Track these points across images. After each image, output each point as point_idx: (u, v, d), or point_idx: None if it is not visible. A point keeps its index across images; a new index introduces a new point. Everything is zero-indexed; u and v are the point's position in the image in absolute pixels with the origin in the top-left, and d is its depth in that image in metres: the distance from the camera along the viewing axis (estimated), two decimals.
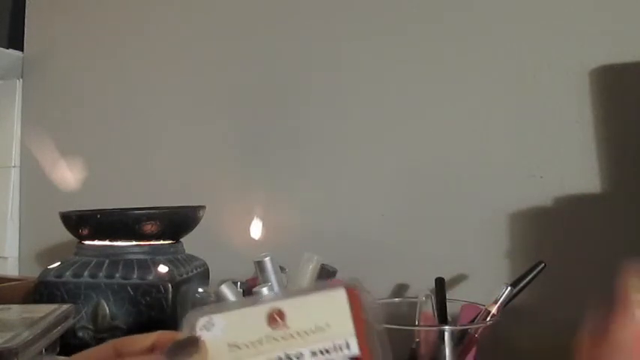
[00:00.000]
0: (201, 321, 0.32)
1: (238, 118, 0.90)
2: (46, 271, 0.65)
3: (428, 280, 0.66)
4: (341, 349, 0.30)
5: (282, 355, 0.30)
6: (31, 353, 0.44)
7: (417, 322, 0.61)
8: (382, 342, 0.30)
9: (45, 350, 0.48)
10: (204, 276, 0.72)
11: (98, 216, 0.68)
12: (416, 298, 0.62)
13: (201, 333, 0.31)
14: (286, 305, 0.32)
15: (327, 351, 0.30)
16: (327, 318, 0.31)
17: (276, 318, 0.31)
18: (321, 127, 0.83)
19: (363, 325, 0.30)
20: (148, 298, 0.62)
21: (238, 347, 0.31)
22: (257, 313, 0.32)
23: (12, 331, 0.45)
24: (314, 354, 0.30)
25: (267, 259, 0.52)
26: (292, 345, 0.30)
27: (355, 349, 0.30)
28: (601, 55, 0.67)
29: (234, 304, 0.33)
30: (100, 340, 0.62)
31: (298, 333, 0.31)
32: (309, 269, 0.54)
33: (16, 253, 1.07)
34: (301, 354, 0.30)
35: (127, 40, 1.01)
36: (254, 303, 0.32)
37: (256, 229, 0.82)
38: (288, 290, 0.33)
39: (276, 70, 0.87)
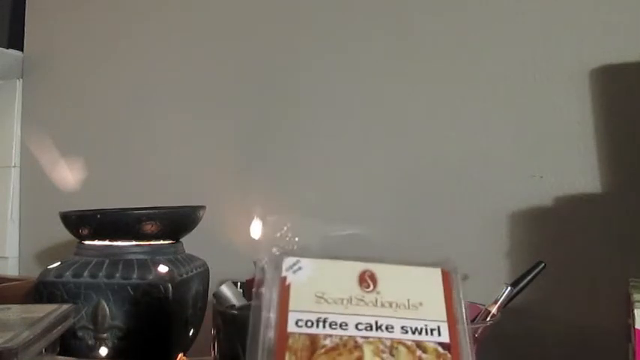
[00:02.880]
0: (288, 261, 0.30)
1: (238, 118, 0.90)
2: (46, 271, 0.65)
3: None
4: (432, 332, 0.29)
5: (372, 322, 0.29)
6: (31, 353, 0.44)
7: None
8: (468, 330, 0.29)
9: (45, 350, 0.48)
10: (204, 276, 0.72)
11: (98, 216, 0.68)
12: None
13: (287, 274, 0.29)
14: (380, 269, 0.30)
15: (419, 331, 0.29)
16: (420, 296, 0.30)
17: (367, 280, 0.30)
18: (322, 127, 0.83)
19: (454, 311, 0.30)
20: (147, 298, 0.62)
21: (325, 300, 0.29)
22: (349, 269, 0.30)
23: (12, 331, 0.45)
24: (404, 330, 0.29)
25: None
26: (383, 314, 0.29)
27: (446, 336, 0.29)
28: (601, 55, 0.67)
29: (323, 253, 0.31)
30: (100, 340, 0.62)
31: (390, 303, 0.29)
32: None
33: (16, 253, 1.07)
34: (392, 326, 0.29)
35: (127, 40, 1.01)
36: (345, 257, 0.31)
37: (256, 229, 0.82)
38: (382, 256, 0.33)
39: (277, 70, 0.87)
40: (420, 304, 0.30)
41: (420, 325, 0.29)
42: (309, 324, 0.29)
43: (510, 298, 0.56)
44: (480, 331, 0.53)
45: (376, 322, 0.29)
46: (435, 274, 0.31)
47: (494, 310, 0.55)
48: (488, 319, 0.55)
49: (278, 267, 0.30)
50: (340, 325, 0.29)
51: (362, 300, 0.29)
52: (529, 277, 0.58)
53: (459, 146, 0.74)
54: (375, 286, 0.30)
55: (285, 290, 0.29)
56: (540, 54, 0.70)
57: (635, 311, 0.44)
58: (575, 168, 0.67)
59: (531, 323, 0.67)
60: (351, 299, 0.29)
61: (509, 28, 0.72)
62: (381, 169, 0.79)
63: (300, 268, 0.30)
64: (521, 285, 0.58)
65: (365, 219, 0.79)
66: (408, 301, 0.30)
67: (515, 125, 0.71)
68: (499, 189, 0.71)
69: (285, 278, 0.30)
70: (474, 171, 0.73)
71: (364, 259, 0.31)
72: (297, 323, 0.29)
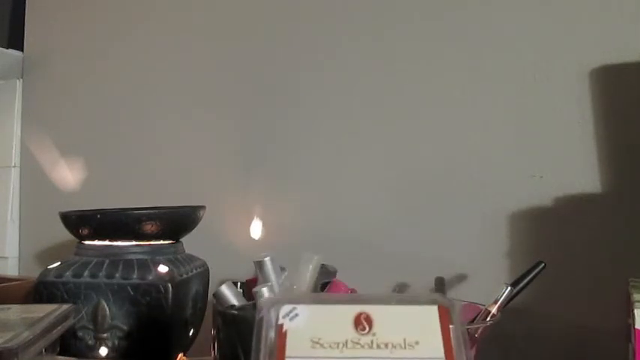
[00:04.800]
0: (285, 309, 0.31)
1: (238, 119, 0.90)
2: (46, 271, 0.65)
3: (428, 280, 0.66)
4: None
5: None
6: (31, 353, 0.44)
7: None
8: None
9: (45, 350, 0.48)
10: (204, 276, 0.72)
11: (98, 216, 0.68)
12: None
13: (283, 321, 0.30)
14: (375, 311, 0.31)
15: None
16: (417, 334, 0.30)
17: (363, 322, 0.30)
18: (322, 127, 0.83)
19: (453, 348, 0.30)
20: (147, 298, 0.62)
21: (321, 345, 0.30)
22: (344, 313, 0.31)
23: (12, 331, 0.45)
24: None
25: (267, 259, 0.52)
26: (379, 355, 0.29)
27: None
28: (601, 55, 0.67)
29: (319, 298, 0.32)
30: (100, 340, 0.62)
31: (385, 344, 0.30)
32: (309, 269, 0.54)
33: (16, 253, 1.07)
34: None
35: (127, 40, 1.01)
36: (340, 301, 0.31)
37: (256, 229, 0.82)
38: (377, 294, 0.33)
39: (276, 70, 0.87)
40: (417, 342, 0.30)
41: None
42: None
43: (510, 298, 0.56)
44: (479, 331, 0.53)
45: None
46: (432, 311, 0.31)
47: (494, 310, 0.55)
48: (488, 319, 0.55)
49: (275, 314, 0.30)
50: None
51: (358, 343, 0.30)
52: (529, 277, 0.58)
53: (459, 146, 0.74)
54: (370, 328, 0.30)
55: (281, 337, 0.30)
56: (540, 54, 0.70)
57: (635, 311, 0.44)
58: (575, 168, 0.67)
59: (531, 323, 0.67)
60: (346, 343, 0.30)
61: (510, 28, 0.72)
62: (380, 169, 0.79)
63: (296, 315, 0.31)
64: (521, 285, 0.58)
65: (364, 219, 0.79)
66: (404, 340, 0.30)
67: (515, 125, 0.71)
68: (499, 189, 0.71)
69: (282, 325, 0.30)
70: (474, 171, 0.73)
71: (360, 300, 0.31)
72: None
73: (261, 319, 0.31)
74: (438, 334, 0.30)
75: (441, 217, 0.74)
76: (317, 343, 0.30)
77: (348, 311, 0.31)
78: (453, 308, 0.31)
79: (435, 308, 0.31)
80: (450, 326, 0.30)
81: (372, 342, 0.30)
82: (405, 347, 0.30)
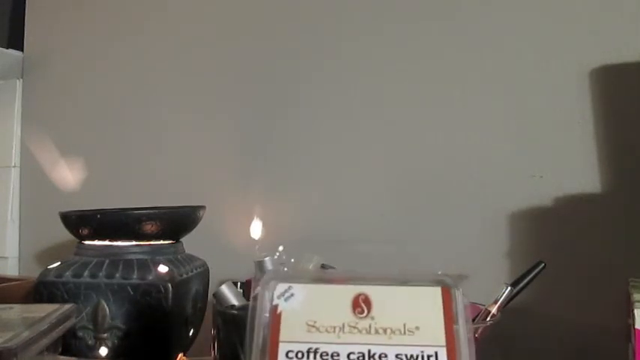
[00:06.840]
0: (280, 288, 0.29)
1: (238, 118, 0.90)
2: (46, 271, 0.65)
3: None
4: (429, 359, 0.28)
5: (365, 351, 0.28)
6: (31, 353, 0.44)
7: None
8: (471, 350, 0.28)
9: (47, 350, 0.47)
10: (204, 276, 0.72)
11: (98, 216, 0.68)
12: None
13: (278, 302, 0.29)
14: (374, 292, 0.29)
15: (414, 358, 0.28)
16: (418, 319, 0.29)
17: (361, 304, 0.29)
18: (322, 128, 0.83)
19: (455, 333, 0.28)
20: (147, 298, 0.62)
21: (317, 329, 0.28)
22: (342, 294, 0.29)
23: (12, 330, 0.45)
24: (399, 358, 0.28)
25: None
26: (376, 341, 0.28)
27: None
28: (601, 55, 0.67)
29: (316, 275, 0.31)
30: (100, 340, 0.62)
31: (384, 329, 0.28)
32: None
33: (16, 253, 1.07)
34: (386, 355, 0.28)
35: (127, 40, 1.01)
36: (339, 280, 0.30)
37: (256, 229, 0.82)
38: (378, 274, 0.31)
39: (276, 71, 0.87)
40: (417, 328, 0.28)
41: (415, 351, 0.28)
42: (300, 355, 0.28)
43: (510, 298, 0.56)
44: (480, 331, 0.53)
45: (369, 351, 0.28)
46: (435, 293, 0.29)
47: (494, 310, 0.55)
48: (488, 319, 0.55)
49: (270, 294, 0.29)
50: (332, 356, 0.28)
51: (355, 327, 0.29)
52: (529, 277, 0.58)
53: (459, 146, 0.74)
54: (369, 311, 0.29)
55: (276, 319, 0.29)
56: (540, 54, 0.70)
57: (635, 311, 0.44)
58: (575, 168, 0.67)
59: (531, 323, 0.67)
60: (343, 327, 0.29)
61: (509, 28, 0.72)
62: (381, 169, 0.79)
63: (292, 295, 0.29)
64: (521, 285, 0.58)
65: (364, 219, 0.79)
66: (404, 325, 0.29)
67: (516, 125, 0.71)
68: (499, 189, 0.71)
69: (276, 307, 0.29)
70: (474, 171, 0.73)
71: (359, 279, 0.30)
72: (287, 354, 0.28)
73: (256, 296, 0.29)
74: (440, 319, 0.29)
75: (440, 217, 0.74)
76: (313, 326, 0.28)
77: (347, 292, 0.29)
78: (456, 288, 0.29)
79: (438, 290, 0.29)
80: (455, 325, 0.29)
81: (370, 326, 0.29)
82: (404, 333, 0.28)
